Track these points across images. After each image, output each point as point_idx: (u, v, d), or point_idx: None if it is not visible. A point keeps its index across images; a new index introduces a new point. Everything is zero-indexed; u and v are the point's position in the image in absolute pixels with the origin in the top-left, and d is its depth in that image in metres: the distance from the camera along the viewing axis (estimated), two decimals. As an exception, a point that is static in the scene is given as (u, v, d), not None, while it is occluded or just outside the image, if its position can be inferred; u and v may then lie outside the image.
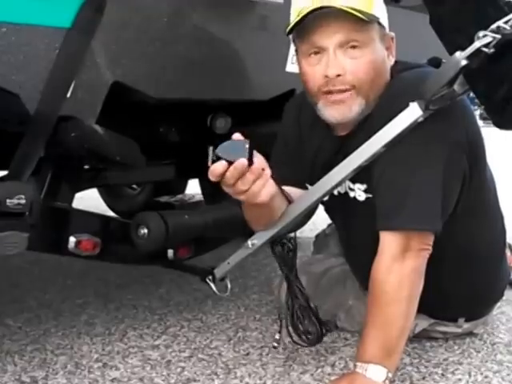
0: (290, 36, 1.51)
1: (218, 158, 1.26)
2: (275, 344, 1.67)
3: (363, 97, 1.45)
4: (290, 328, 1.59)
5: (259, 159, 1.32)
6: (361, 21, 1.40)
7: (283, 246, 1.59)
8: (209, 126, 1.90)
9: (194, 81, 1.64)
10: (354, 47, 1.42)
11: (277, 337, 1.66)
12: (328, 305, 1.82)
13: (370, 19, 1.41)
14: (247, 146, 1.27)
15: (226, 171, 1.27)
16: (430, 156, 1.42)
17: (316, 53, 1.45)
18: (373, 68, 1.44)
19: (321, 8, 1.39)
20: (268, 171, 1.34)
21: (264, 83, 1.79)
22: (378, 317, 1.41)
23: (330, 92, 1.45)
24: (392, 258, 1.41)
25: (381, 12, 1.47)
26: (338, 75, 1.42)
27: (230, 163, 1.27)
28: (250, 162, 1.27)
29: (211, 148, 1.28)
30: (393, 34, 1.52)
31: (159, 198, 2.60)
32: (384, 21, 1.48)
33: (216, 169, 1.27)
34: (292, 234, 1.62)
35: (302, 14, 1.40)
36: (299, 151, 1.67)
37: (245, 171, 1.28)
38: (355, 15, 1.38)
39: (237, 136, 1.30)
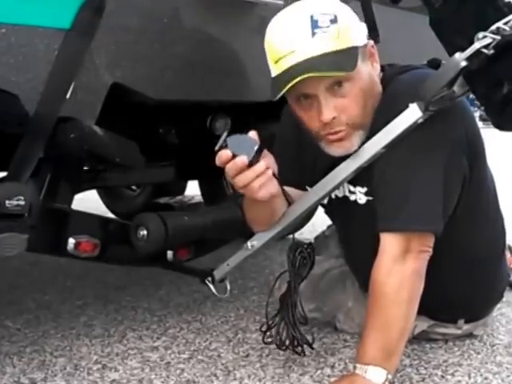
0: None
1: (226, 146, 1.33)
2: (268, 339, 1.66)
3: (361, 128, 1.45)
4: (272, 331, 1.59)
5: (267, 159, 1.36)
6: None
7: (303, 257, 1.59)
8: (208, 127, 1.90)
9: (194, 82, 1.64)
10: (340, 84, 1.40)
11: (263, 329, 1.64)
12: (328, 306, 1.82)
13: (352, 65, 1.38)
14: (256, 147, 1.33)
15: (228, 162, 1.33)
16: (431, 157, 1.42)
17: (306, 97, 1.43)
18: (363, 96, 1.43)
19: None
20: (271, 171, 1.37)
21: (263, 85, 1.79)
22: (378, 318, 1.41)
23: (328, 134, 1.44)
24: (393, 260, 1.41)
25: (357, 34, 1.43)
26: (334, 118, 1.41)
27: (234, 156, 1.32)
28: (253, 162, 1.33)
29: (225, 133, 1.35)
30: (371, 42, 1.49)
31: (158, 200, 2.59)
32: (361, 39, 1.44)
33: (220, 157, 1.33)
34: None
35: (281, 71, 1.38)
36: (299, 154, 1.67)
37: (244, 169, 1.33)
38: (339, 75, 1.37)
39: (252, 134, 1.35)
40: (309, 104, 1.43)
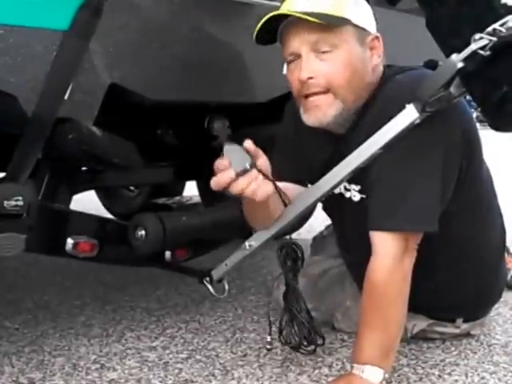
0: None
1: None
2: (268, 346, 1.68)
3: (341, 100, 1.46)
4: (284, 332, 1.60)
5: (261, 160, 1.36)
6: (328, 24, 1.41)
7: (291, 253, 1.60)
8: (206, 128, 1.91)
9: (192, 83, 1.64)
10: (325, 52, 1.44)
11: (268, 339, 1.67)
12: (326, 306, 1.82)
13: (335, 23, 1.42)
14: (247, 164, 1.32)
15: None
16: (428, 157, 1.42)
17: (294, 59, 1.48)
18: (348, 69, 1.45)
19: (286, 15, 1.43)
20: (261, 176, 1.35)
21: (261, 85, 1.79)
22: (378, 318, 1.41)
23: (306, 96, 1.47)
24: (393, 260, 1.41)
25: (354, 14, 1.47)
26: (310, 78, 1.44)
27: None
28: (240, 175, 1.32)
29: (226, 143, 1.35)
30: (377, 34, 1.51)
31: (157, 200, 2.60)
32: (361, 21, 1.48)
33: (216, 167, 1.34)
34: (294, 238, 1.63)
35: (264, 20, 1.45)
36: (298, 151, 1.67)
37: (233, 179, 1.31)
38: (315, 21, 1.39)
39: (248, 144, 1.33)
40: (295, 65, 1.48)
